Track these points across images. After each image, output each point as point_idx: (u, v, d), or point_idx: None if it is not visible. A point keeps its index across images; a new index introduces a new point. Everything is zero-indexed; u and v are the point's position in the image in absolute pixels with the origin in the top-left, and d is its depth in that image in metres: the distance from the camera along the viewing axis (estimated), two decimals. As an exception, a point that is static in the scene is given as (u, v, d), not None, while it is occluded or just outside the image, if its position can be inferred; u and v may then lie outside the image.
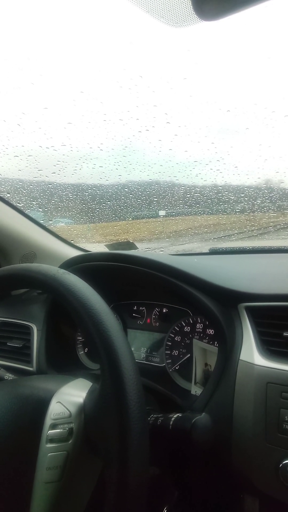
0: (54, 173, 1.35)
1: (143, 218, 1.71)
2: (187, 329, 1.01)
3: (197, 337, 0.98)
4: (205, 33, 0.90)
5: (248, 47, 1.06)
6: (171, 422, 0.68)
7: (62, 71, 1.18)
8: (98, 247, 1.69)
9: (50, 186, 1.43)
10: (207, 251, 1.40)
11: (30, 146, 1.28)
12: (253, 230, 1.61)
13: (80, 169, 1.36)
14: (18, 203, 1.36)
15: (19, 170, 1.33)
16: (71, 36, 1.11)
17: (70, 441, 0.54)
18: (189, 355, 0.98)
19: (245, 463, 0.70)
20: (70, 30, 1.10)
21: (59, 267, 0.70)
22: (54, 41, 1.12)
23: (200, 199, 1.44)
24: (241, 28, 0.92)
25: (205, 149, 1.24)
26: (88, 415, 0.55)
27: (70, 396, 0.58)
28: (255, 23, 0.89)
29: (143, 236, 1.81)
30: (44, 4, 1.06)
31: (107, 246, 1.59)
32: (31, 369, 1.05)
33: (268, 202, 1.37)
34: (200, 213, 1.57)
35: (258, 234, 1.66)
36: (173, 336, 1.03)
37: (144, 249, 1.63)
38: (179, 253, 1.63)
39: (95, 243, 1.75)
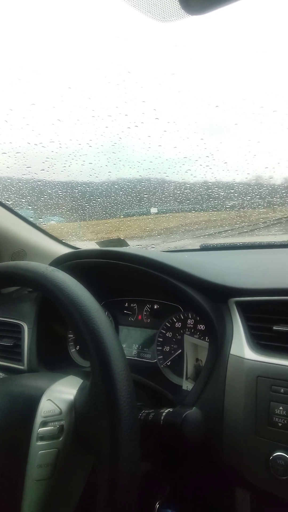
0: (43, 170, 1.34)
1: (133, 215, 1.70)
2: (178, 325, 1.01)
3: (188, 332, 0.98)
4: (193, 28, 0.90)
5: (236, 41, 1.06)
6: (162, 417, 0.68)
7: (49, 66, 1.17)
8: (89, 245, 1.68)
9: (39, 183, 1.41)
10: (198, 247, 1.40)
11: (18, 143, 1.26)
12: (243, 226, 1.62)
13: (69, 166, 1.35)
14: (7, 201, 1.34)
15: (7, 167, 1.31)
16: (57, 31, 1.10)
17: (60, 438, 0.54)
18: (180, 350, 0.98)
19: (236, 456, 0.70)
20: (56, 25, 1.09)
21: (49, 264, 0.69)
22: (40, 36, 1.10)
23: (190, 196, 1.44)
24: (229, 22, 0.91)
25: (194, 145, 1.24)
26: (79, 412, 0.55)
27: (61, 393, 0.58)
28: (243, 17, 0.89)
29: (134, 233, 1.80)
30: (30, -1, 1.04)
31: (97, 243, 1.58)
32: (22, 367, 1.05)
33: (258, 198, 1.37)
34: (190, 209, 1.57)
35: (249, 230, 1.67)
36: (164, 332, 1.03)
37: (135, 247, 1.63)
38: (170, 250, 1.63)
39: (86, 241, 1.74)
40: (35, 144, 1.27)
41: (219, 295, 0.83)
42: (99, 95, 1.20)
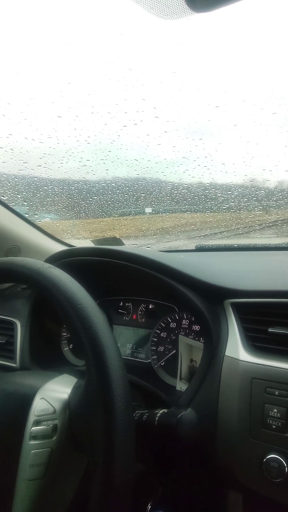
0: (40, 166, 1.32)
1: (129, 214, 1.69)
2: (173, 325, 1.01)
3: (183, 333, 0.98)
4: (195, 28, 0.90)
5: (238, 42, 1.06)
6: (157, 418, 0.67)
7: (49, 61, 1.15)
8: (84, 243, 1.66)
9: (36, 179, 1.40)
10: (193, 248, 1.40)
11: (15, 138, 1.24)
12: (238, 228, 1.62)
13: (66, 162, 1.34)
14: (2, 196, 1.33)
15: (3, 162, 1.30)
16: (59, 25, 1.09)
17: (54, 438, 0.53)
18: (174, 351, 0.98)
19: (230, 458, 0.70)
20: (58, 19, 1.08)
21: (44, 261, 0.69)
22: (41, 30, 1.09)
23: (187, 196, 1.43)
24: (231, 23, 0.91)
25: (193, 145, 1.23)
26: (73, 411, 0.54)
27: (55, 392, 0.57)
28: (246, 18, 0.89)
29: (130, 232, 1.79)
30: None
31: (93, 241, 1.57)
32: (14, 365, 1.03)
33: (254, 200, 1.37)
34: (187, 210, 1.56)
35: (244, 232, 1.67)
36: (159, 332, 1.02)
37: (131, 246, 1.62)
38: (165, 250, 1.62)
39: (81, 239, 1.73)
40: (32, 140, 1.25)
41: (215, 296, 0.83)
42: (99, 92, 1.18)
